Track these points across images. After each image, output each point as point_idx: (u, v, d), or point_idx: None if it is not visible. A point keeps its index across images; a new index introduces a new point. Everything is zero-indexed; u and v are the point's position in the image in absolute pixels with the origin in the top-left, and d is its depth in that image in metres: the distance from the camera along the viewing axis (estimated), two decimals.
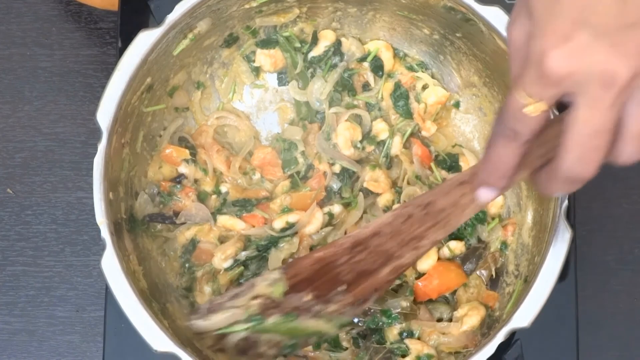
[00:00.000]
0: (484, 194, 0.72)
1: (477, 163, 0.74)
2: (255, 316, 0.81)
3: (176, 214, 1.01)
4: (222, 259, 0.99)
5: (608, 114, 0.61)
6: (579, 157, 0.64)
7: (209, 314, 0.82)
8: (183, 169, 1.02)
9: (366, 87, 1.06)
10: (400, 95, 1.05)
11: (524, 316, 0.86)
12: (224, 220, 1.01)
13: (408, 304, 0.97)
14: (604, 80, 0.59)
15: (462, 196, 0.77)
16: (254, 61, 1.05)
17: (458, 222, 0.78)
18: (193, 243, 1.01)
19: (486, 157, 0.69)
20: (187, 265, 1.01)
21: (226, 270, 1.00)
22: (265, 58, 1.05)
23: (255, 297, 0.81)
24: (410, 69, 1.06)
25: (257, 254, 1.00)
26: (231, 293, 0.84)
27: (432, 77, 1.06)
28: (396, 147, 1.04)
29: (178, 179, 1.02)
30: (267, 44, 1.05)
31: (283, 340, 0.82)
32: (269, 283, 0.82)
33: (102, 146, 0.90)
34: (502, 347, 0.87)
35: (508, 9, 0.90)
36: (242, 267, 1.00)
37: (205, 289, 1.00)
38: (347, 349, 1.00)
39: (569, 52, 0.60)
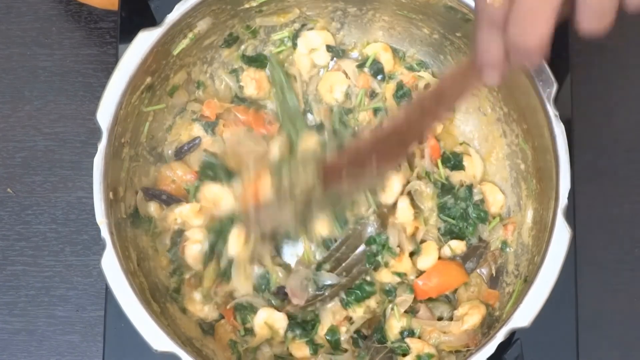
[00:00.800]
0: (489, 78, 0.75)
1: (471, 54, 0.78)
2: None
3: (171, 196, 1.01)
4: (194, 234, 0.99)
5: None
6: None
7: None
8: (198, 131, 1.03)
9: (373, 94, 1.06)
10: (403, 95, 1.05)
11: (524, 316, 0.86)
12: (213, 189, 1.00)
13: (375, 219, 0.99)
14: None
15: (465, 82, 0.81)
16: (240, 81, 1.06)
17: (466, 90, 0.83)
18: (179, 234, 1.01)
19: (477, 48, 0.73)
20: (175, 260, 1.00)
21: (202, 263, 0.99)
22: (251, 81, 1.05)
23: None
24: (410, 69, 1.06)
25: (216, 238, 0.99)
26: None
27: (433, 76, 1.06)
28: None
29: (194, 142, 1.03)
30: (254, 61, 1.05)
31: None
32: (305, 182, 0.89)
33: (102, 146, 0.90)
34: (502, 347, 0.87)
35: None
36: (215, 263, 0.99)
37: (195, 296, 0.99)
38: (346, 351, 1.00)
39: None
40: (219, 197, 0.99)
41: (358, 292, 0.99)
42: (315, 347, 0.99)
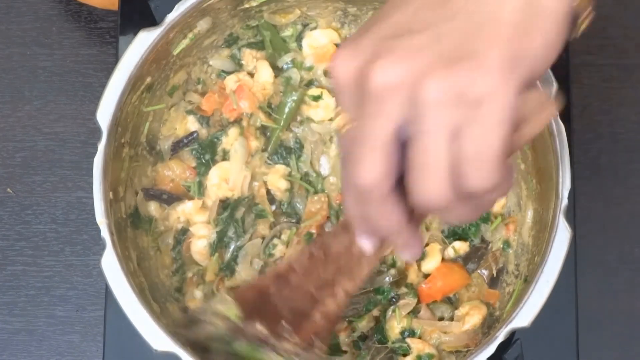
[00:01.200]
0: (365, 245, 0.65)
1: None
2: (227, 335, 0.78)
3: (171, 195, 1.01)
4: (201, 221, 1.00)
5: (383, 126, 0.53)
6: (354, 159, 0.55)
7: (190, 326, 0.82)
8: (193, 124, 1.02)
9: None
10: None
11: (524, 316, 0.86)
12: (223, 166, 1.01)
13: (395, 273, 0.98)
14: (366, 93, 0.53)
15: (350, 243, 0.69)
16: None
17: (360, 272, 0.71)
18: (183, 232, 1.01)
19: (356, 223, 0.62)
20: (178, 259, 1.00)
21: (208, 252, 1.00)
22: (252, 59, 1.04)
23: (216, 315, 0.79)
24: None
25: (230, 214, 1.00)
26: (200, 308, 0.84)
27: None
28: None
29: (190, 136, 1.02)
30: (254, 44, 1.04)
31: None
32: (223, 304, 0.79)
33: (102, 146, 0.90)
34: (502, 347, 0.87)
35: None
36: (218, 254, 1.00)
37: (196, 293, 0.99)
38: (346, 352, 0.99)
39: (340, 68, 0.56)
40: (229, 172, 1.00)
41: (359, 306, 0.99)
42: None
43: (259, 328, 0.77)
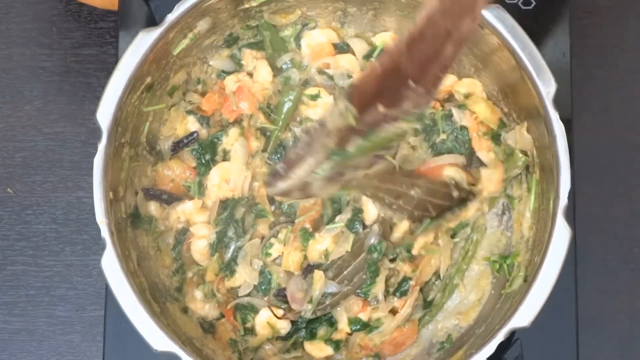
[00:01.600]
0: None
1: None
2: (335, 152, 0.78)
3: (171, 195, 1.01)
4: (202, 221, 1.00)
5: None
6: None
7: (288, 173, 0.80)
8: (193, 124, 1.02)
9: None
10: None
11: (524, 316, 0.86)
12: (224, 167, 1.01)
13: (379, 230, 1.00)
14: None
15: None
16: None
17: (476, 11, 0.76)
18: (183, 232, 1.01)
19: None
20: (178, 259, 1.01)
21: (209, 252, 1.00)
22: (252, 60, 1.05)
23: (328, 135, 0.78)
24: None
25: (229, 214, 1.00)
26: (302, 142, 0.80)
27: None
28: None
29: (191, 136, 1.02)
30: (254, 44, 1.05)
31: (367, 159, 0.81)
32: (338, 115, 0.78)
33: (102, 146, 0.90)
34: (502, 347, 0.87)
35: (508, 8, 0.90)
36: (218, 254, 1.00)
37: (197, 294, 1.00)
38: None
39: None
40: (230, 173, 1.00)
41: (360, 274, 0.99)
42: (337, 344, 0.99)
43: (379, 110, 0.78)
